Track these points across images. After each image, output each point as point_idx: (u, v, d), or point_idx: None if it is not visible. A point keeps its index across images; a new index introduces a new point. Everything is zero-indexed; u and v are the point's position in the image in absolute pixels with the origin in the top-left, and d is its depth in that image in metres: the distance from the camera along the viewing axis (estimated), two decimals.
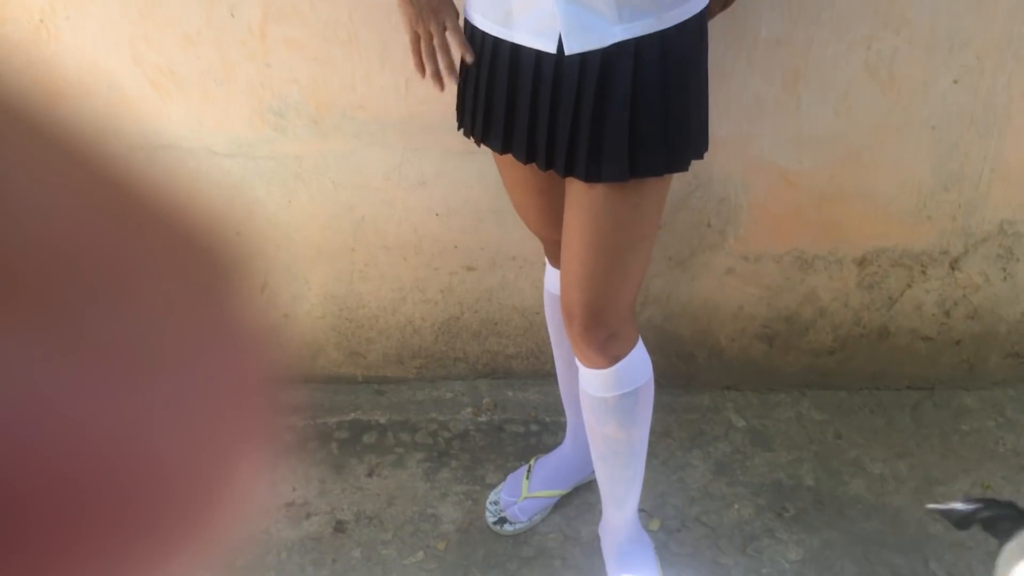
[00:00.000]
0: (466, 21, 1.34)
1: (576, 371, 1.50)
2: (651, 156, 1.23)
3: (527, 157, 1.31)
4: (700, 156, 1.31)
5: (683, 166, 1.28)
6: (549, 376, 2.10)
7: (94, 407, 0.15)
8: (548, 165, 1.28)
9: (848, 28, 1.68)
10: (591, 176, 1.24)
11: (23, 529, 0.14)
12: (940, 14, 1.67)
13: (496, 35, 1.27)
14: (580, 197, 1.29)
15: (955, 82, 1.74)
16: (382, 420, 2.06)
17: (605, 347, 1.38)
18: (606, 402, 1.45)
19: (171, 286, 0.17)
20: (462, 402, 2.11)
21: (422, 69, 1.36)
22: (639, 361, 1.44)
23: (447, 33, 1.33)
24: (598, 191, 1.27)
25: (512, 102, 1.29)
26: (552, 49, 1.21)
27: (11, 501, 0.14)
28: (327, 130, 1.81)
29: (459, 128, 1.44)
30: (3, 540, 0.14)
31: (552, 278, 1.65)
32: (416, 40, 1.34)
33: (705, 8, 1.24)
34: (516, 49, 1.25)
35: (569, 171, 1.27)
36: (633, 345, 1.42)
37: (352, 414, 2.08)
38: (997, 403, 2.06)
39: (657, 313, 2.02)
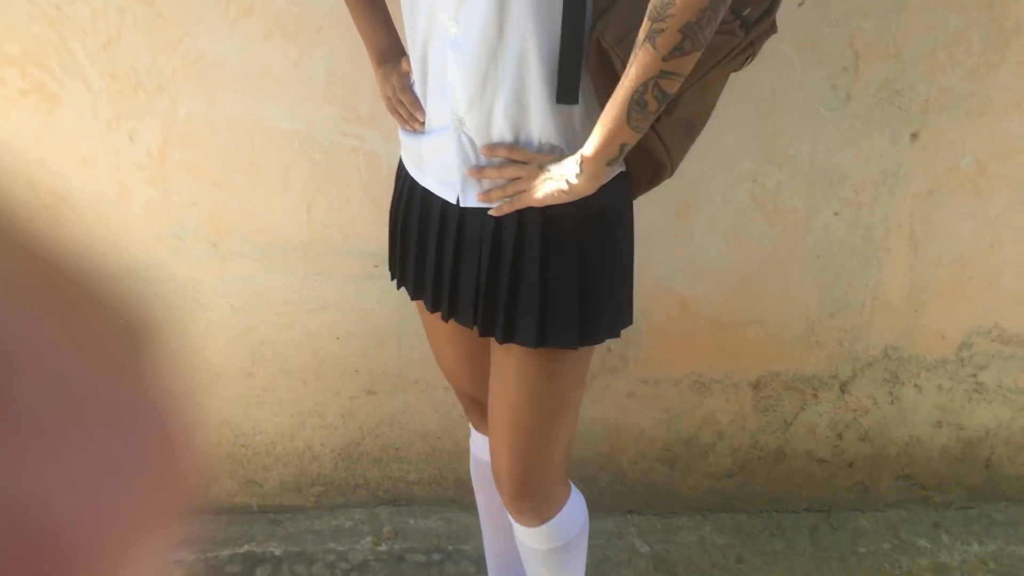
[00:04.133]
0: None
1: (502, 537, 1.53)
2: (561, 328, 1.21)
3: (433, 307, 1.31)
4: (615, 334, 1.28)
5: (596, 340, 1.25)
6: (451, 503, 2.07)
7: (13, 472, 0.15)
8: (449, 316, 1.29)
9: (735, 162, 1.77)
10: (505, 338, 1.24)
11: None
12: (819, 151, 1.78)
13: (413, 176, 1.29)
14: (499, 361, 1.30)
15: (836, 214, 1.84)
16: (277, 552, 1.98)
17: (535, 511, 1.39)
18: (537, 552, 1.46)
19: (86, 358, 0.17)
20: (362, 531, 2.04)
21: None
22: (569, 518, 1.42)
23: (400, 95, 1.32)
24: (514, 356, 1.26)
25: (422, 248, 1.29)
26: (452, 199, 1.23)
27: None
28: (226, 253, 1.80)
29: (403, 285, 1.41)
30: None
31: (479, 443, 1.59)
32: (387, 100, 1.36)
33: (621, 181, 1.24)
34: (428, 194, 1.27)
35: (487, 331, 1.26)
36: (563, 504, 1.41)
37: (246, 546, 1.99)
38: (891, 525, 2.10)
39: None
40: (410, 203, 1.30)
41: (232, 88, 1.67)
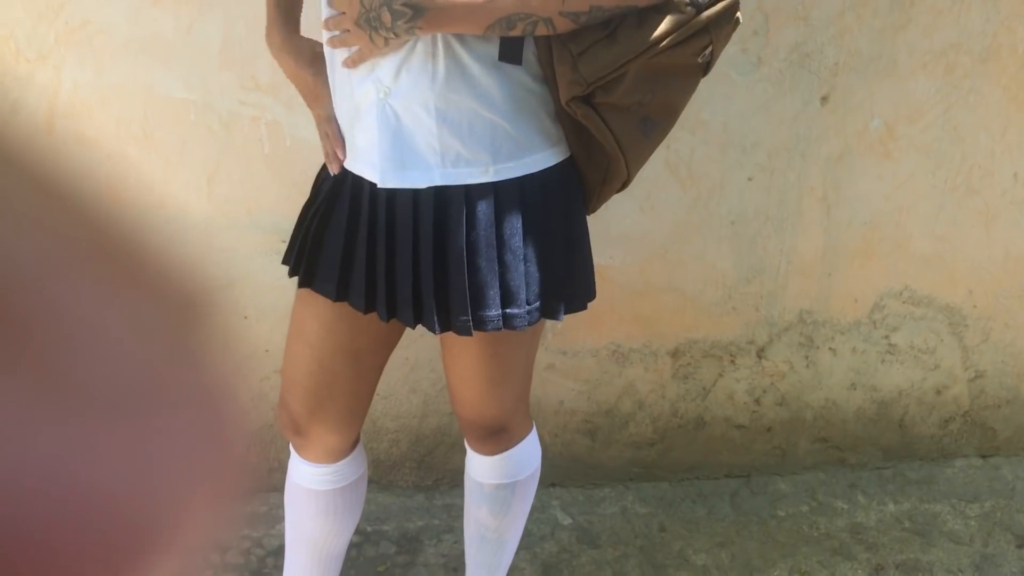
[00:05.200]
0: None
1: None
2: (491, 311, 1.16)
3: (367, 307, 1.20)
4: (554, 316, 1.23)
5: (522, 325, 1.19)
6: (368, 483, 2.02)
7: (71, 452, 0.16)
8: (390, 314, 1.20)
9: None
10: (442, 326, 1.18)
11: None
12: (731, 116, 1.77)
13: (347, 167, 1.21)
14: (447, 343, 1.28)
15: (750, 180, 1.83)
16: None
17: (498, 441, 1.41)
18: (482, 488, 1.46)
19: (144, 337, 0.18)
20: (277, 516, 1.98)
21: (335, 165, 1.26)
22: (524, 454, 1.45)
23: (323, 123, 1.25)
24: (461, 340, 1.23)
25: (351, 240, 1.20)
26: (376, 179, 1.16)
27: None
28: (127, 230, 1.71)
29: (285, 263, 1.31)
30: None
31: (301, 470, 1.40)
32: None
33: (557, 171, 1.19)
34: (358, 181, 1.19)
35: (418, 320, 1.19)
36: (522, 438, 1.43)
37: None
38: (809, 487, 2.12)
39: None
40: (335, 199, 1.21)
41: (121, 56, 1.58)
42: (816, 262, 1.93)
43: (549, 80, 1.14)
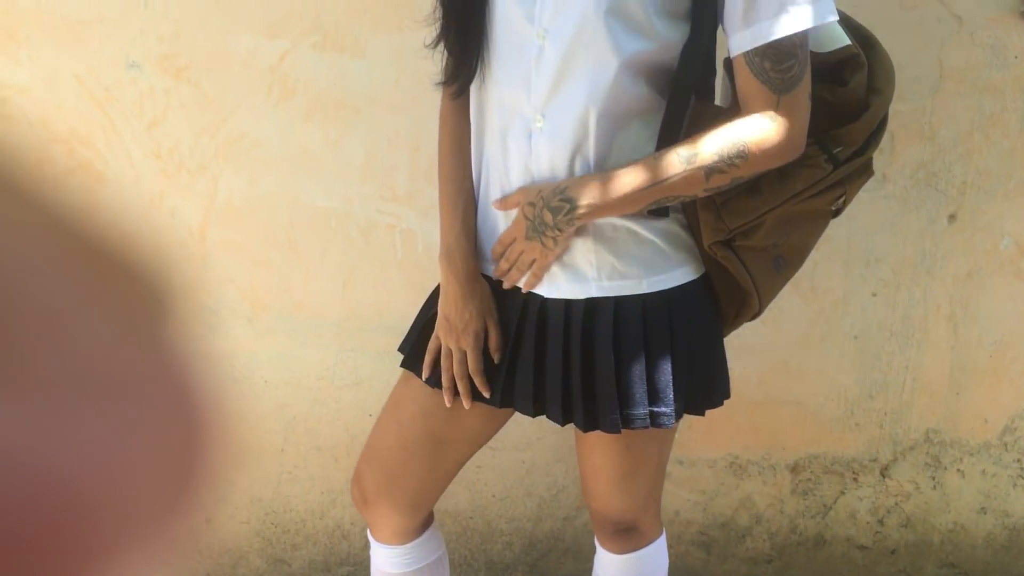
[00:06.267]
0: None
1: None
2: (638, 409, 1.22)
3: (502, 402, 1.28)
4: (699, 412, 1.30)
5: (668, 423, 1.25)
6: None
7: (40, 439, 0.15)
8: (537, 412, 1.28)
9: None
10: (588, 424, 1.24)
11: None
12: (856, 232, 1.77)
13: (490, 275, 1.29)
14: (584, 435, 1.32)
15: (874, 295, 1.82)
16: None
17: (629, 539, 1.43)
18: None
19: (111, 319, 0.18)
20: None
21: (430, 370, 1.31)
22: (654, 555, 1.46)
23: (468, 359, 1.27)
24: (597, 433, 1.27)
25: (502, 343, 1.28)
26: (540, 291, 1.24)
27: None
28: (261, 329, 1.80)
29: (404, 358, 1.37)
30: None
31: (383, 555, 1.45)
32: (436, 350, 1.31)
33: (701, 281, 1.25)
34: (502, 291, 1.28)
35: (567, 417, 1.26)
36: (652, 540, 1.45)
37: None
38: None
39: None
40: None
41: (273, 167, 1.70)
42: (943, 380, 1.89)
43: (692, 224, 1.22)
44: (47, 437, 0.16)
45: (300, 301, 1.78)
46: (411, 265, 1.76)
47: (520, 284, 1.25)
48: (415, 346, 1.34)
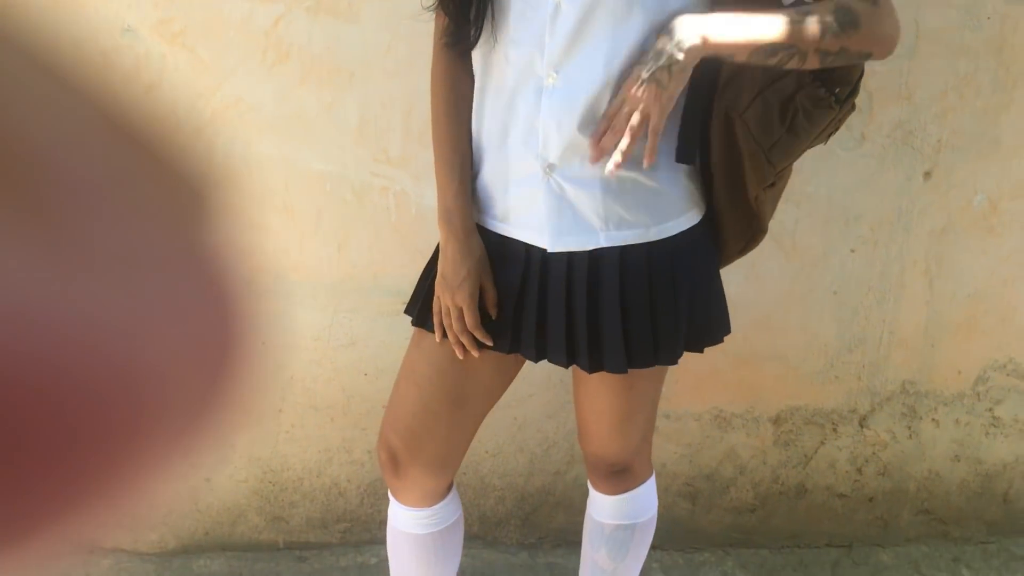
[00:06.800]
0: None
1: None
2: (643, 353, 1.28)
3: (511, 348, 1.32)
4: (698, 350, 1.35)
5: (672, 360, 1.32)
6: (476, 539, 2.08)
7: (93, 308, 0.16)
8: (539, 357, 1.32)
9: None
10: (594, 366, 1.29)
11: (25, 428, 0.15)
12: (835, 190, 1.83)
13: (493, 229, 1.31)
14: (586, 379, 1.37)
15: (852, 251, 1.88)
16: None
17: (622, 481, 1.49)
18: (602, 529, 1.53)
19: (157, 204, 0.18)
20: (387, 568, 2.05)
21: (441, 331, 1.33)
22: (644, 496, 1.53)
23: (464, 316, 1.29)
24: (600, 375, 1.32)
25: (501, 295, 1.31)
26: (544, 244, 1.26)
27: (13, 401, 0.14)
28: (258, 292, 1.83)
29: (413, 318, 1.39)
30: (7, 440, 0.15)
31: (402, 516, 1.48)
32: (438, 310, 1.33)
33: (701, 227, 1.30)
34: (503, 243, 1.30)
35: (571, 360, 1.30)
36: (644, 481, 1.52)
37: None
38: (912, 560, 2.11)
39: (583, 472, 2.04)
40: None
41: (267, 131, 1.73)
42: (919, 333, 1.96)
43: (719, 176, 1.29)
44: (76, 295, 0.16)
45: (296, 263, 1.82)
46: (405, 227, 1.80)
47: (610, 163, 1.16)
48: (424, 304, 1.36)
